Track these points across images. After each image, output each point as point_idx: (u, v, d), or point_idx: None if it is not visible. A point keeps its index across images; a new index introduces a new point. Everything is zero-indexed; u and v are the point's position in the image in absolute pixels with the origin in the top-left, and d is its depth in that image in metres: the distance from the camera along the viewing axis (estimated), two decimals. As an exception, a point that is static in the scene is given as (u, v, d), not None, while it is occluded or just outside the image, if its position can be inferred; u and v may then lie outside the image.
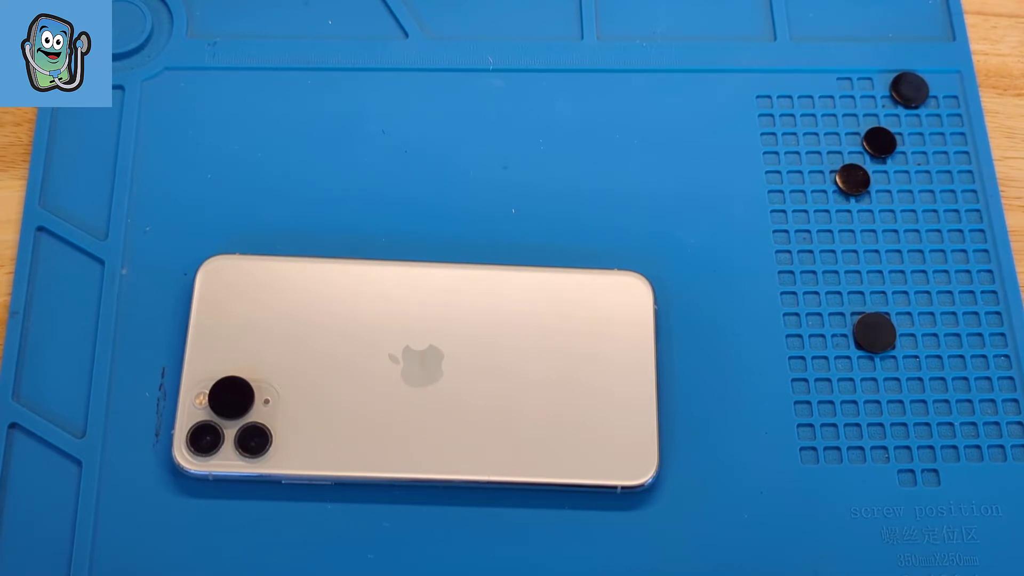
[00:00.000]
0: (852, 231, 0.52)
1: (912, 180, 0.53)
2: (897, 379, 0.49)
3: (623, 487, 0.46)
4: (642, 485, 0.46)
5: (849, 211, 0.53)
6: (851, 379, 0.49)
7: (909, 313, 0.51)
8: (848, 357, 0.50)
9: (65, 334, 0.48)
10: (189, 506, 0.46)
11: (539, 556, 0.46)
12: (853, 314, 0.51)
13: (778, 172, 0.53)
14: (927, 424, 0.49)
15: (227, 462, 0.46)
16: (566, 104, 0.54)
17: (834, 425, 0.48)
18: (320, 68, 0.54)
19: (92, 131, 0.52)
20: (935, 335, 0.50)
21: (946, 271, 0.51)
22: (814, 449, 0.48)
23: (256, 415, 0.46)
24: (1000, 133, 0.55)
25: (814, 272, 0.51)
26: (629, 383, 0.47)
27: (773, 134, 0.54)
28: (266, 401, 0.46)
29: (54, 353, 0.48)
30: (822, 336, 0.50)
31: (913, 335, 0.50)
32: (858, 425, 0.49)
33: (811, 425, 0.48)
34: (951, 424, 0.49)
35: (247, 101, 0.53)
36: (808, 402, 0.49)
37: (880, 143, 0.54)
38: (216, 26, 0.55)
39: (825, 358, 0.50)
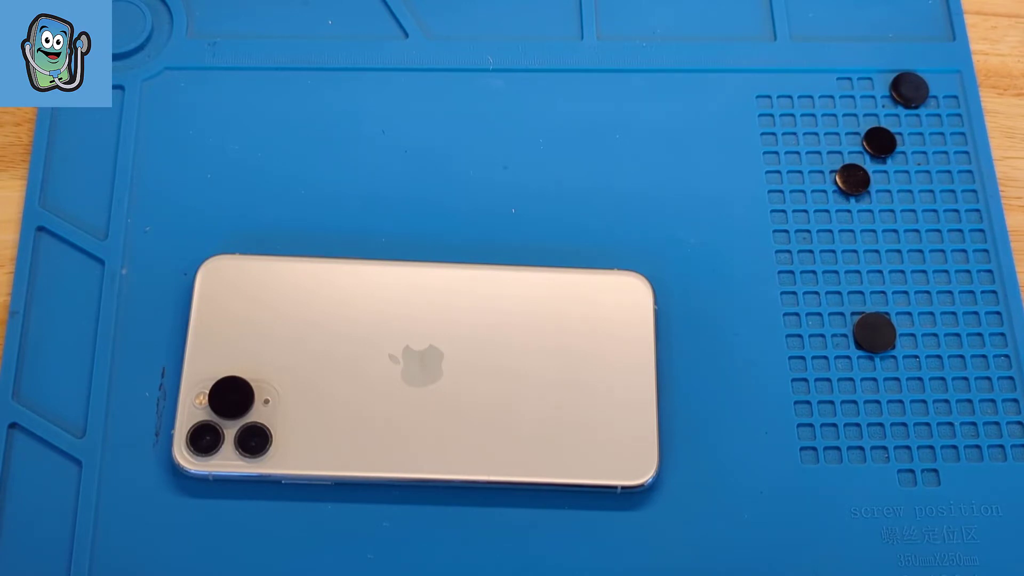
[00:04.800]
0: (852, 231, 0.52)
1: (912, 180, 0.53)
2: (897, 379, 0.49)
3: (623, 487, 0.46)
4: (642, 485, 0.46)
5: (849, 211, 0.53)
6: (851, 379, 0.49)
7: (909, 313, 0.51)
8: (848, 357, 0.50)
9: (65, 334, 0.48)
10: (189, 506, 0.46)
11: (539, 556, 0.46)
12: (853, 314, 0.51)
13: (778, 172, 0.53)
14: (927, 424, 0.49)
15: (227, 462, 0.46)
16: (566, 104, 0.54)
17: (834, 425, 0.49)
18: (320, 68, 0.54)
19: (92, 131, 0.52)
20: (935, 335, 0.50)
21: (946, 271, 0.51)
22: (814, 449, 0.48)
23: (256, 415, 0.46)
24: (1000, 133, 0.55)
25: (814, 272, 0.51)
26: (629, 383, 0.47)
27: (773, 134, 0.54)
28: (266, 401, 0.46)
29: (54, 353, 0.48)
30: (822, 336, 0.50)
31: (913, 335, 0.50)
32: (858, 425, 0.49)
33: (811, 425, 0.48)
34: (951, 424, 0.49)
35: (247, 101, 0.53)
36: (808, 402, 0.49)
37: (880, 143, 0.54)
38: (216, 26, 0.55)
39: (825, 358, 0.50)
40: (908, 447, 0.48)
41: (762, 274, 0.51)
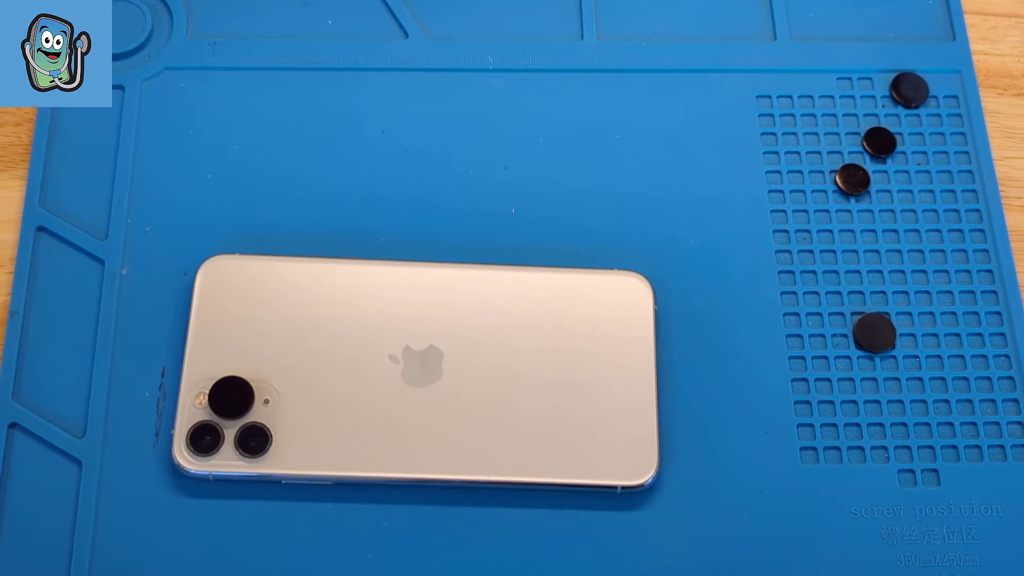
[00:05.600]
0: (852, 231, 0.52)
1: (912, 180, 0.53)
2: (897, 379, 0.49)
3: (623, 487, 0.46)
4: (642, 485, 0.46)
5: (849, 211, 0.53)
6: (851, 379, 0.49)
7: (909, 313, 0.51)
8: (848, 357, 0.50)
9: (65, 334, 0.48)
10: (189, 506, 0.46)
11: (539, 556, 0.46)
12: (853, 314, 0.51)
13: (778, 172, 0.53)
14: (927, 424, 0.49)
15: (227, 462, 0.46)
16: (566, 104, 0.54)
17: (834, 425, 0.49)
18: (320, 68, 0.54)
19: (92, 131, 0.52)
20: (935, 335, 0.50)
21: (946, 271, 0.51)
22: (814, 449, 0.48)
23: (256, 415, 0.46)
24: (1000, 133, 0.55)
25: (814, 272, 0.51)
26: (629, 383, 0.47)
27: (773, 134, 0.54)
28: (266, 401, 0.46)
29: (54, 353, 0.48)
30: (822, 336, 0.50)
31: (913, 335, 0.50)
32: (858, 425, 0.49)
33: (811, 425, 0.48)
34: (951, 424, 0.49)
35: (247, 101, 0.53)
36: (808, 402, 0.49)
37: (880, 143, 0.54)
38: (216, 26, 0.55)
39: (825, 358, 0.50)
40: (908, 447, 0.48)
41: (762, 274, 0.51)
